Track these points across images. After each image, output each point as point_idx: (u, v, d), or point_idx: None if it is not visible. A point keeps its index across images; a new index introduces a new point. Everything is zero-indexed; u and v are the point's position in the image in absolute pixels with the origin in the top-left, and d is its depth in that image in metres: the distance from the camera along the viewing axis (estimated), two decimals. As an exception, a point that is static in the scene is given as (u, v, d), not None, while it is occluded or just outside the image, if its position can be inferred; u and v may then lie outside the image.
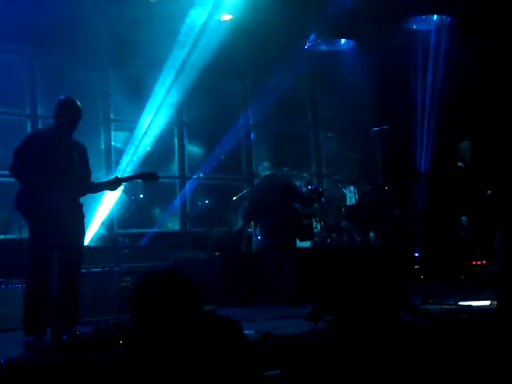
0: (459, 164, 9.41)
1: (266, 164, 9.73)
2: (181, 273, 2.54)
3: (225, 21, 10.58)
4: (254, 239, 10.27)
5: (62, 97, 6.33)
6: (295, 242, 9.54)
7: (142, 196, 11.25)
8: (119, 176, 6.82)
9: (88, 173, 6.49)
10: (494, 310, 6.42)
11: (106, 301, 8.03)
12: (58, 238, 5.98)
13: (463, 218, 9.30)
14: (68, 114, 6.22)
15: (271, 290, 8.81)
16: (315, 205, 10.53)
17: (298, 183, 10.43)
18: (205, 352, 2.42)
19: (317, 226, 10.55)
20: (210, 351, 2.42)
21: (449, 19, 10.59)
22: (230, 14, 10.60)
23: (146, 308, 2.45)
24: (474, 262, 9.80)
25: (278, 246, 9.01)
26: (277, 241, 9.03)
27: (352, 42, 11.20)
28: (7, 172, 6.20)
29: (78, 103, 6.29)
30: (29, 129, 10.14)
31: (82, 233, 6.34)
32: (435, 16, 10.53)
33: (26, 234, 6.37)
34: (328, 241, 10.35)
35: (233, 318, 2.71)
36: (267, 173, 9.55)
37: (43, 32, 9.47)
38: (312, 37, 11.01)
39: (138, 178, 6.69)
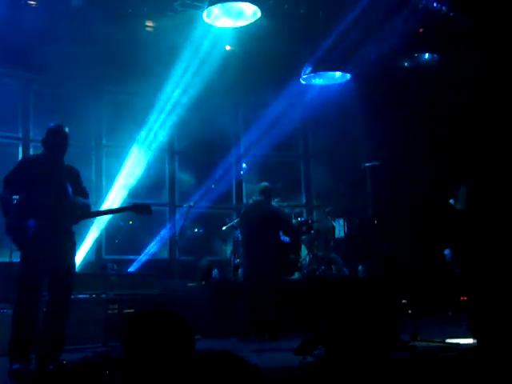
0: (450, 201, 9.40)
1: (260, 186, 9.22)
2: (177, 315, 2.53)
3: (219, 52, 10.66)
4: (240, 269, 10.21)
5: (50, 124, 6.28)
6: (278, 278, 9.27)
7: (131, 222, 11.25)
8: (112, 207, 6.71)
9: (84, 195, 6.40)
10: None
11: (92, 328, 7.92)
12: (49, 265, 5.92)
13: (446, 252, 9.24)
14: (54, 142, 6.18)
15: (253, 321, 8.68)
16: (304, 236, 10.51)
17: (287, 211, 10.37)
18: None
19: (306, 258, 10.52)
20: None
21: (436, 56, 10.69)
22: (229, 45, 10.72)
23: (139, 346, 2.44)
24: (461, 298, 9.76)
25: (259, 280, 8.78)
26: (257, 277, 8.79)
27: (347, 76, 11.28)
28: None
29: (65, 130, 6.22)
30: (20, 152, 10.14)
31: (72, 262, 6.22)
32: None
33: (16, 259, 6.29)
34: (317, 273, 10.33)
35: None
36: (258, 198, 9.13)
37: (37, 56, 9.49)
38: (307, 70, 11.07)
39: (131, 210, 6.58)
